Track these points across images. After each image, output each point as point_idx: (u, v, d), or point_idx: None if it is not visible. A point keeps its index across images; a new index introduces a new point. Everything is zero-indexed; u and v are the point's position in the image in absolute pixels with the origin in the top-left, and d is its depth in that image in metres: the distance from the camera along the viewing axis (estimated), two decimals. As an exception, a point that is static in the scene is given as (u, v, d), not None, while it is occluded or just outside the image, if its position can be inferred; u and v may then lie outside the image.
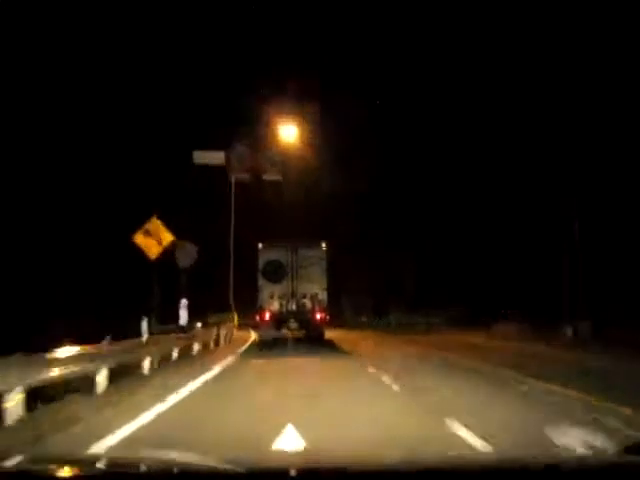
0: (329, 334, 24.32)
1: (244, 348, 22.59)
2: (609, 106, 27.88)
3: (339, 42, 42.88)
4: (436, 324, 38.74)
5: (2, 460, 2.93)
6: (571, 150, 28.82)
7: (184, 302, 19.39)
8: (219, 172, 25.67)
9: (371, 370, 13.98)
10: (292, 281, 22.34)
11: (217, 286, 33.37)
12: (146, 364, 13.10)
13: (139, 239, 16.58)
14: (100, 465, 2.91)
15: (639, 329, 22.59)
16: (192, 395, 10.53)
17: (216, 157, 24.59)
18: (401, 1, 39.78)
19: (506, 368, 13.96)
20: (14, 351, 7.96)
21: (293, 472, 2.52)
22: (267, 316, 22.37)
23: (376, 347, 23.59)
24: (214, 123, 29.37)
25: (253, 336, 29.45)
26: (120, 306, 20.56)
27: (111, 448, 6.39)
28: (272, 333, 22.28)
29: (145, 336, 13.48)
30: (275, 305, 22.43)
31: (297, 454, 4.85)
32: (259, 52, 42.74)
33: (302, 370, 14.68)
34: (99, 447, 6.42)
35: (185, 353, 17.44)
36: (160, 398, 9.73)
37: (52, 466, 2.70)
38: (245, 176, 26.16)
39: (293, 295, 22.33)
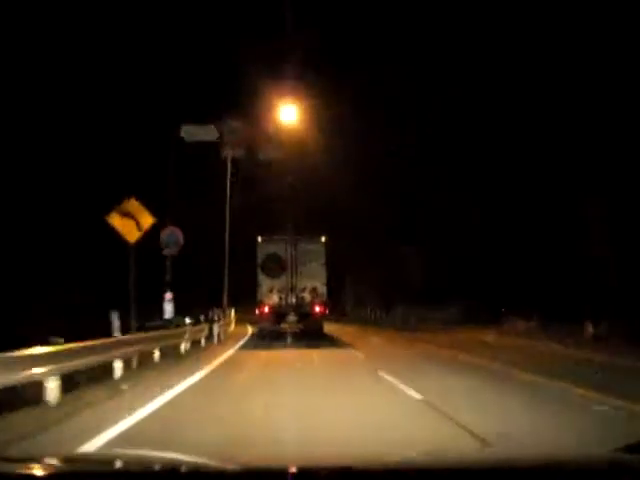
0: (329, 328, 23.89)
1: (238, 346, 20.93)
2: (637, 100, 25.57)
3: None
4: (444, 320, 36.67)
5: None
6: (600, 144, 26.63)
7: (169, 295, 17.16)
8: (214, 152, 23.28)
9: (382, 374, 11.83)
10: (291, 275, 22.16)
11: (212, 280, 31.06)
12: (118, 367, 10.84)
13: (115, 220, 14.33)
14: (92, 463, 2.91)
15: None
16: (169, 407, 8.49)
17: (207, 132, 22.15)
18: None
19: (561, 381, 10.81)
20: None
21: (292, 471, 2.41)
22: (266, 310, 22.16)
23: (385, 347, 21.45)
24: (206, 99, 26.61)
25: (250, 332, 28.27)
26: (97, 298, 18.16)
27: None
28: (271, 327, 22.08)
29: (117, 333, 11.24)
30: (274, 299, 22.23)
31: (296, 454, 4.64)
32: (257, 20, 39.13)
33: (301, 375, 12.49)
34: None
35: (170, 352, 15.21)
36: (129, 411, 7.77)
37: (35, 465, 2.51)
38: (240, 152, 23.61)
39: (292, 289, 22.14)
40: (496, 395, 9.51)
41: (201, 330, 19.28)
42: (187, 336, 16.58)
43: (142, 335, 12.82)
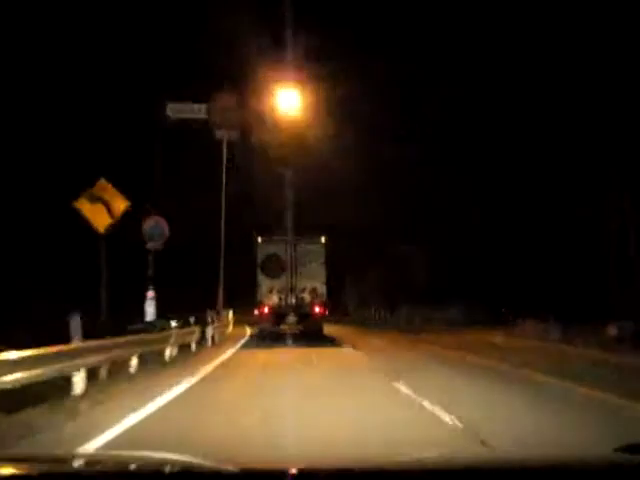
0: (329, 329, 23.52)
1: (234, 349, 18.93)
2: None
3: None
4: (449, 320, 34.70)
5: None
6: (620, 140, 24.61)
7: (151, 294, 15.02)
8: (208, 135, 20.90)
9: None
10: (291, 275, 21.91)
11: (207, 278, 28.96)
12: (78, 381, 8.75)
13: (83, 206, 12.22)
14: (90, 464, 2.86)
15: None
16: (139, 430, 6.60)
17: (196, 110, 19.83)
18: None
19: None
20: None
21: (291, 472, 2.37)
22: (266, 310, 21.89)
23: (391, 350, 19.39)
24: (197, 76, 24.05)
25: (248, 334, 26.51)
26: (69, 299, 15.92)
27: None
28: (271, 327, 21.86)
29: (78, 339, 9.14)
30: (274, 299, 21.94)
31: (296, 455, 4.60)
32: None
33: (300, 384, 10.46)
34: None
35: (153, 359, 13.13)
36: (85, 436, 6.02)
37: (46, 466, 2.62)
38: (235, 135, 21.23)
39: (292, 289, 21.86)
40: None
41: (191, 333, 17.16)
42: (173, 340, 14.46)
43: (113, 341, 10.72)
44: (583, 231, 27.90)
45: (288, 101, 21.73)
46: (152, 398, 8.65)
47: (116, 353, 10.61)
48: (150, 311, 14.90)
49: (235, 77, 20.51)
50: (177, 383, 10.19)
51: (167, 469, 2.54)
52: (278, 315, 21.77)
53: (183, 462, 2.77)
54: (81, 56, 22.71)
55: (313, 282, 21.97)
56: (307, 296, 21.89)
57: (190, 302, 27.12)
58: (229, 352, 17.79)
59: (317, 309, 21.87)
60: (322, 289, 22.12)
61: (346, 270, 47.40)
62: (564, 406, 8.22)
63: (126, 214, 13.56)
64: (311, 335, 20.96)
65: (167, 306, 16.62)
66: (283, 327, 21.87)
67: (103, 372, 10.40)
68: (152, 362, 13.10)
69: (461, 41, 32.02)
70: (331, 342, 20.65)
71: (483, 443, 5.87)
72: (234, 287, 35.81)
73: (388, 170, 37.25)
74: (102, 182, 12.36)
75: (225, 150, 22.19)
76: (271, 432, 6.40)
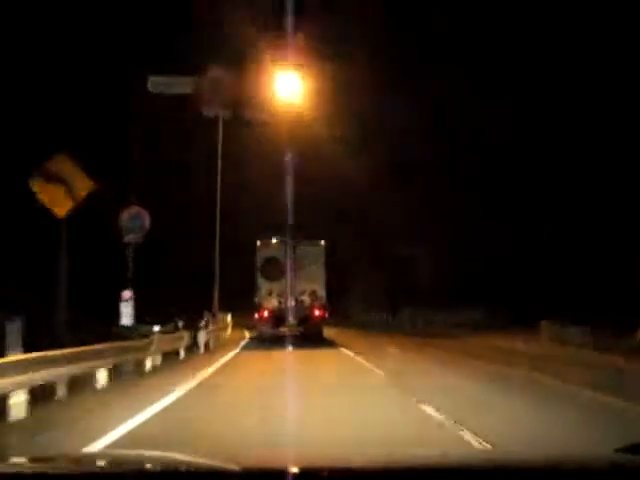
0: (329, 332, 23.15)
1: (228, 356, 16.88)
2: None
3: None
4: (456, 324, 32.70)
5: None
6: None
7: (127, 294, 12.88)
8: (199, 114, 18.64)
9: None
10: (291, 278, 21.61)
11: (202, 279, 26.92)
12: (17, 403, 6.67)
13: (38, 187, 10.14)
14: (98, 463, 2.84)
15: None
16: None
17: (182, 84, 17.52)
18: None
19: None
20: None
21: (291, 471, 2.31)
22: (265, 314, 21.67)
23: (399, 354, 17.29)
24: (185, 47, 21.51)
25: (246, 338, 24.92)
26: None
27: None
28: (270, 330, 21.61)
29: (15, 350, 7.04)
30: (274, 302, 21.73)
31: (296, 454, 4.08)
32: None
33: (303, 402, 8.39)
34: None
35: (129, 371, 11.04)
36: None
37: (50, 465, 2.55)
38: (226, 112, 18.91)
39: (292, 292, 21.58)
40: None
41: (178, 338, 15.06)
42: (154, 347, 12.36)
43: (73, 351, 8.62)
44: (609, 228, 25.82)
45: (288, 84, 19.64)
46: (125, 419, 6.61)
47: (79, 366, 8.53)
48: (127, 313, 12.78)
49: (230, 53, 18.31)
50: (150, 404, 8.10)
51: (168, 468, 2.51)
52: (277, 318, 21.51)
53: (184, 461, 2.74)
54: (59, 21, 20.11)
55: (313, 285, 21.72)
56: (307, 299, 21.65)
57: (182, 304, 25.51)
58: (222, 360, 15.82)
59: (317, 312, 21.64)
60: (322, 292, 21.87)
61: (349, 272, 45.51)
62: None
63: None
64: (311, 338, 20.54)
65: (152, 308, 14.54)
66: (282, 330, 21.43)
67: (61, 390, 8.32)
68: (129, 374, 11.04)
69: (474, 22, 29.91)
70: (332, 347, 19.72)
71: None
72: (233, 290, 34.69)
73: (396, 167, 35.21)
74: (60, 157, 10.26)
75: (221, 132, 19.94)
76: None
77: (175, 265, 31.48)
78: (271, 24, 18.92)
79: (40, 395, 7.86)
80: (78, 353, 8.83)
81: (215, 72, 16.24)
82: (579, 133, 27.24)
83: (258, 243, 22.52)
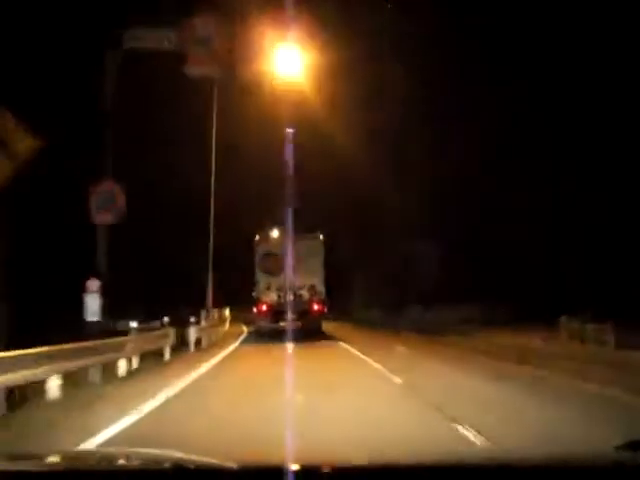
0: (327, 326, 23.16)
1: (221, 355, 15.14)
2: None
3: None
4: (466, 320, 30.71)
5: None
6: None
7: (93, 285, 10.88)
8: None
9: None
10: (289, 272, 21.16)
11: (199, 273, 25.10)
12: None
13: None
14: (95, 461, 2.80)
15: None
16: None
17: (158, 38, 15.12)
18: None
19: None
20: None
21: (291, 470, 2.25)
22: (264, 308, 21.52)
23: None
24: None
25: (244, 334, 24.01)
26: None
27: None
28: (269, 325, 21.52)
29: None
30: (272, 297, 21.56)
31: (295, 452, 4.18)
32: None
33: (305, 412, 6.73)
34: None
35: (98, 376, 9.14)
36: None
37: (45, 463, 2.50)
38: (214, 70, 16.54)
39: (290, 287, 21.24)
40: None
41: (162, 336, 13.13)
42: (130, 347, 10.45)
43: (11, 355, 6.74)
44: (629, 217, 23.91)
45: (288, 59, 17.65)
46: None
47: (15, 375, 6.63)
48: (92, 306, 10.78)
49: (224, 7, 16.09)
50: (106, 426, 6.22)
51: (166, 466, 2.47)
52: (276, 312, 21.21)
53: (182, 459, 2.67)
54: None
55: (311, 279, 21.49)
56: (305, 293, 21.43)
57: (177, 300, 24.14)
58: (213, 361, 14.03)
59: (315, 306, 21.50)
60: (321, 286, 21.74)
61: (349, 267, 43.68)
62: None
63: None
64: (310, 332, 20.40)
65: (134, 303, 12.64)
66: (281, 324, 21.09)
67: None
68: (94, 381, 9.15)
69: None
70: (334, 345, 18.87)
71: None
72: (232, 283, 33.40)
73: (401, 153, 33.23)
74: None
75: (215, 101, 17.76)
76: None
77: (167, 257, 29.60)
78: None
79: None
80: (21, 357, 6.94)
81: (201, 25, 14.01)
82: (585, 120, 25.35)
83: (257, 237, 22.39)
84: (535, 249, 29.85)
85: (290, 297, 21.01)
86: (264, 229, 23.68)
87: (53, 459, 2.62)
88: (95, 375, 9.07)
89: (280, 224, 25.06)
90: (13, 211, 8.94)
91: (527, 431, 5.85)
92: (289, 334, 19.57)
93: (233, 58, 14.68)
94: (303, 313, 21.07)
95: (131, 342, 10.46)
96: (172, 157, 27.76)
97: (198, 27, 14.12)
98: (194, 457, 2.72)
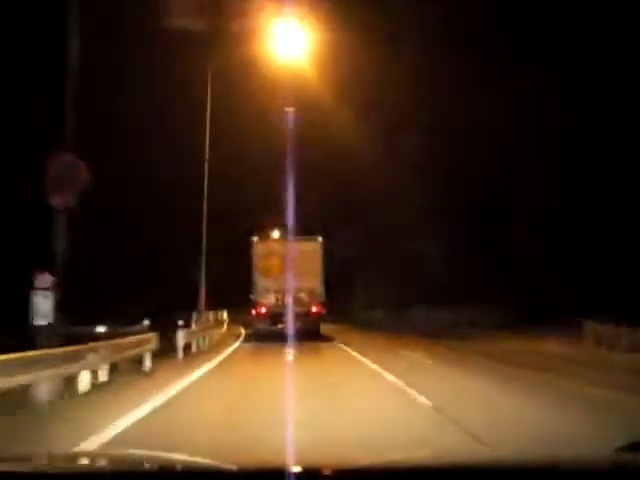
0: (325, 327, 22.91)
1: (211, 366, 12.98)
2: None
3: None
4: (474, 322, 28.64)
5: None
6: None
7: (43, 280, 8.77)
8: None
9: None
10: (287, 275, 20.66)
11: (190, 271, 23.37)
12: None
13: None
14: (96, 462, 2.77)
15: None
16: None
17: None
18: None
19: None
20: None
21: (290, 471, 2.24)
22: (263, 310, 21.27)
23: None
24: None
25: (242, 338, 22.58)
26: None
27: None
28: (267, 327, 21.13)
29: None
30: (271, 299, 21.23)
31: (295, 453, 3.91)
32: None
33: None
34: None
35: (41, 395, 7.13)
36: None
37: (45, 464, 2.50)
38: (196, 22, 14.36)
39: (289, 289, 20.75)
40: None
41: (140, 342, 11.07)
42: (95, 357, 8.40)
43: None
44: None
45: (288, 36, 15.78)
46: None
47: None
48: (42, 308, 8.68)
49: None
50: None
51: (167, 467, 2.44)
52: (274, 315, 20.89)
53: (183, 461, 2.66)
54: None
55: (310, 281, 21.10)
56: (304, 295, 21.06)
57: (171, 302, 22.54)
58: (204, 367, 12.33)
59: (314, 309, 21.22)
60: (319, 288, 21.44)
61: (353, 267, 41.83)
62: None
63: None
64: (308, 335, 19.99)
65: (112, 305, 10.62)
66: (280, 327, 20.69)
67: None
68: (42, 399, 7.14)
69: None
70: (336, 346, 18.76)
71: None
72: (230, 285, 32.04)
73: (404, 147, 31.27)
74: None
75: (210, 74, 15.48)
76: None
77: (165, 258, 27.97)
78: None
79: None
80: None
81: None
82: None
83: (255, 239, 22.02)
84: (539, 250, 28.06)
85: (288, 299, 20.52)
86: (263, 230, 23.53)
87: (52, 460, 2.57)
88: (41, 392, 7.04)
89: (280, 225, 24.57)
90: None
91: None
92: (287, 337, 18.91)
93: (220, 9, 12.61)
94: (301, 316, 20.63)
95: (95, 350, 8.44)
96: (168, 150, 26.16)
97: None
98: (194, 459, 2.68)
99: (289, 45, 16.94)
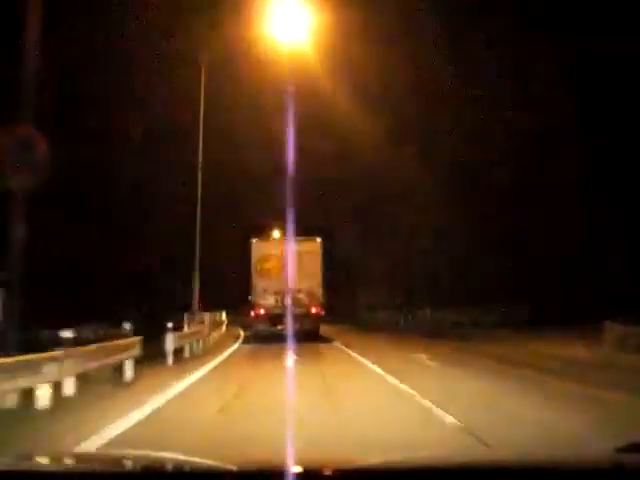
0: (329, 330, 22.90)
1: (205, 371, 11.91)
2: None
3: None
4: (484, 324, 27.38)
5: None
6: None
7: None
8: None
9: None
10: (286, 276, 20.50)
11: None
12: None
13: None
14: (96, 462, 2.76)
15: None
16: None
17: None
18: None
19: None
20: None
21: (292, 472, 2.19)
22: (261, 312, 21.02)
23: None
24: None
25: (240, 340, 21.95)
26: None
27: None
28: (266, 329, 20.87)
29: None
30: (269, 300, 20.97)
31: (296, 453, 3.97)
32: None
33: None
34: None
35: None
36: None
37: (41, 463, 2.49)
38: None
39: (287, 290, 20.50)
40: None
41: (119, 348, 9.69)
42: (59, 366, 7.05)
43: None
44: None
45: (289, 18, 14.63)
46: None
47: None
48: None
49: None
50: None
51: (166, 468, 2.42)
52: (274, 316, 20.61)
53: (182, 461, 2.63)
54: None
55: (309, 282, 20.81)
56: (303, 297, 20.78)
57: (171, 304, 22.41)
58: (197, 374, 11.24)
59: (314, 310, 20.96)
60: (319, 289, 21.19)
61: (356, 267, 40.68)
62: None
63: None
64: (308, 336, 19.74)
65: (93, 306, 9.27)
66: (279, 328, 20.47)
67: None
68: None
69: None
70: (337, 349, 18.19)
71: None
72: (229, 286, 32.13)
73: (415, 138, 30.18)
74: None
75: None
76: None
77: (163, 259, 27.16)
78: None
79: None
80: None
81: None
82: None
83: (254, 240, 21.86)
84: (549, 250, 26.94)
85: (287, 300, 20.19)
86: (262, 231, 23.66)
87: (52, 460, 2.56)
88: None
89: (279, 225, 24.54)
90: None
91: None
92: (286, 338, 18.51)
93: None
94: (301, 317, 20.35)
95: (57, 359, 7.08)
96: (164, 152, 25.38)
97: None
98: (194, 459, 2.65)
99: (289, 28, 15.81)
